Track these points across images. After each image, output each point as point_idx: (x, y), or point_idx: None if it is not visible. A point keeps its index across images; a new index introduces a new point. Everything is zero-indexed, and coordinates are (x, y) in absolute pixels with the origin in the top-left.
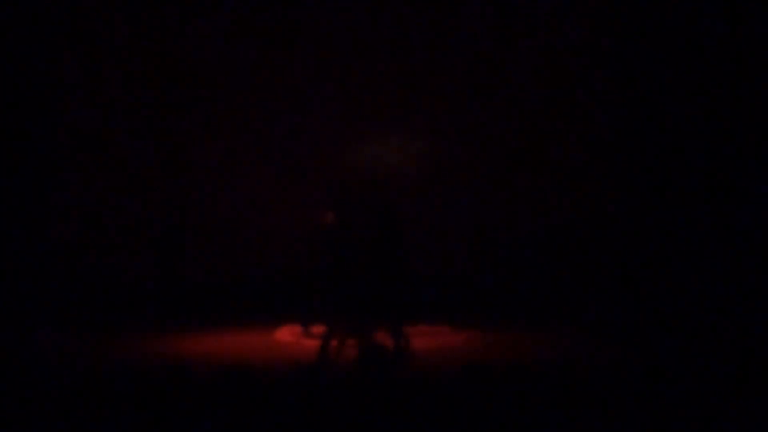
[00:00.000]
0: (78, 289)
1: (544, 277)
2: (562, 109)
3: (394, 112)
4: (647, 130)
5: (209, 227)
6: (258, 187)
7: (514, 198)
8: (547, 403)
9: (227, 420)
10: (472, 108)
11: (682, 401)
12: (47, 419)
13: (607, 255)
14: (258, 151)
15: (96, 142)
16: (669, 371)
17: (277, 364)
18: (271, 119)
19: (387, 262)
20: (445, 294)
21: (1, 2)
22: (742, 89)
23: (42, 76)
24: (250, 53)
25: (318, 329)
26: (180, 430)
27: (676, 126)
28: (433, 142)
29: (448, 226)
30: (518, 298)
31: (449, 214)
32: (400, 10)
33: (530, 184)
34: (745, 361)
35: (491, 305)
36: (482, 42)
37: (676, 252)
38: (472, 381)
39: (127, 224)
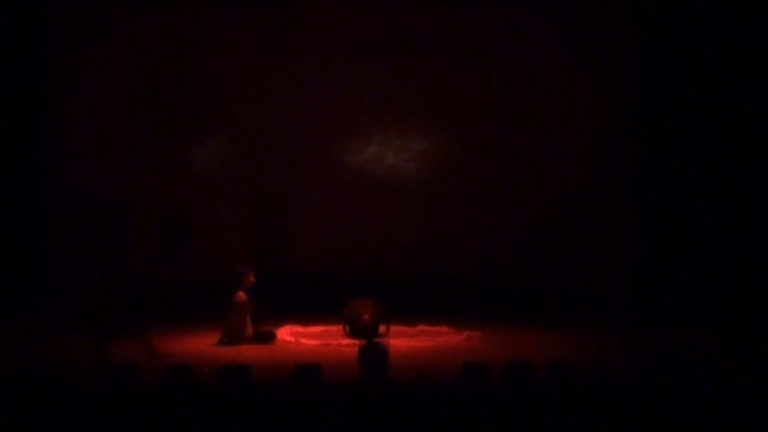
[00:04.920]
0: (77, 289)
1: (544, 276)
2: (562, 108)
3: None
4: (651, 132)
5: (209, 227)
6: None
7: (515, 198)
8: (547, 402)
9: (227, 420)
10: (473, 108)
11: (684, 401)
12: (47, 419)
13: (607, 254)
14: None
15: (95, 141)
16: (669, 371)
17: (277, 364)
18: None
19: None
20: (445, 294)
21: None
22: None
23: (42, 76)
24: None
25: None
26: (180, 430)
27: (681, 128)
28: (432, 143)
29: (449, 226)
30: (518, 298)
31: (449, 214)
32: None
33: (531, 183)
34: (746, 360)
35: (491, 305)
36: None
37: (677, 252)
38: (472, 381)
39: (126, 224)
